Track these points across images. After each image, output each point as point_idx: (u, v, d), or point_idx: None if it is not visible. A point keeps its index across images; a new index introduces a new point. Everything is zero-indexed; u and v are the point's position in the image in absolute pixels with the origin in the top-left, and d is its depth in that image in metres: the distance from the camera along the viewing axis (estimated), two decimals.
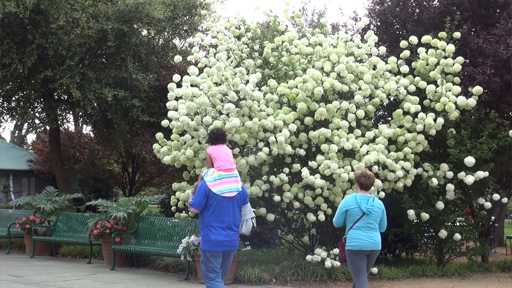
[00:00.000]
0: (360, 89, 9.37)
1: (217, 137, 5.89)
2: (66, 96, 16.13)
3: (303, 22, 16.65)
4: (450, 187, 9.35)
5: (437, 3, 11.25)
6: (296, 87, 9.08)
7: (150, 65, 14.61)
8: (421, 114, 9.09)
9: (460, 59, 9.43)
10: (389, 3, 11.60)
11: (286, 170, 9.03)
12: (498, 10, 10.83)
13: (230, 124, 8.68)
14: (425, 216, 9.16)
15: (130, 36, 13.54)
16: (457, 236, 9.48)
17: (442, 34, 9.64)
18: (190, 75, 9.38)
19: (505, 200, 10.04)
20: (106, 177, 19.79)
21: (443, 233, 9.45)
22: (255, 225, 5.97)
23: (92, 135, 20.52)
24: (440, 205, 9.37)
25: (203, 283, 6.34)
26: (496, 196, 9.62)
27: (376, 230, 5.88)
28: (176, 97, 9.36)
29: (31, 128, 21.60)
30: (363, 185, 6.02)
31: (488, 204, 9.82)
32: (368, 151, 8.82)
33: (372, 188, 8.54)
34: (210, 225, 5.50)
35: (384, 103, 9.93)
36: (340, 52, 9.59)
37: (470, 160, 9.04)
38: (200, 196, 5.52)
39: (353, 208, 5.89)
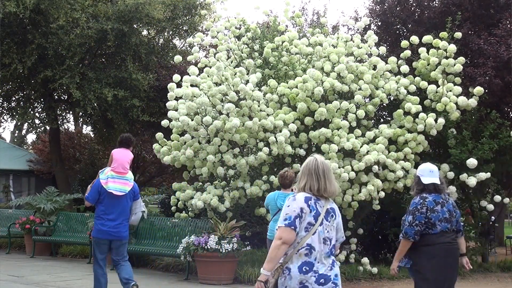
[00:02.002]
0: (360, 89, 9.37)
1: (122, 141, 6.83)
2: (66, 96, 16.12)
3: (303, 22, 16.65)
4: (452, 189, 9.35)
5: (438, 3, 11.25)
6: (296, 87, 9.07)
7: (150, 65, 14.60)
8: (422, 115, 9.09)
9: (462, 59, 9.42)
10: (389, 3, 11.59)
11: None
12: (498, 11, 10.82)
13: (230, 124, 8.68)
14: None
15: (130, 36, 13.53)
16: None
17: (443, 34, 9.64)
18: (190, 75, 9.38)
19: (507, 200, 10.05)
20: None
21: None
22: (145, 217, 7.42)
23: (92, 135, 20.50)
24: None
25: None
26: (498, 198, 9.63)
27: None
28: (176, 97, 9.36)
29: (31, 128, 21.57)
30: (282, 184, 6.95)
31: (490, 207, 9.82)
32: (368, 151, 8.82)
33: (372, 187, 8.65)
34: (100, 216, 6.41)
35: (384, 103, 9.92)
36: (340, 52, 9.58)
37: (472, 162, 9.03)
38: (94, 191, 6.42)
39: (271, 204, 6.89)
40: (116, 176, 6.50)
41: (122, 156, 6.68)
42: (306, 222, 3.39)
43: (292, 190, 6.91)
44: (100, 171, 6.64)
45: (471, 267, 5.09)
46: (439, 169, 9.25)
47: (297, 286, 3.36)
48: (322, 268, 3.39)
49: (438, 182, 4.62)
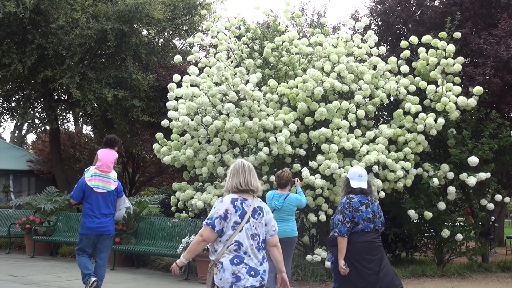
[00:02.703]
0: (360, 89, 9.37)
1: (107, 141, 7.21)
2: (66, 96, 16.13)
3: (303, 22, 16.65)
4: (451, 189, 9.36)
5: (438, 3, 11.25)
6: (296, 87, 9.07)
7: (150, 65, 14.60)
8: (421, 114, 9.09)
9: (461, 59, 9.43)
10: (390, 3, 11.60)
11: (286, 170, 9.01)
12: (499, 11, 10.82)
13: (230, 124, 8.68)
14: (428, 215, 9.15)
15: (130, 36, 13.53)
16: (459, 236, 9.49)
17: (443, 34, 9.64)
18: (190, 75, 9.38)
19: (507, 199, 10.05)
20: None
21: (445, 233, 9.45)
22: (131, 212, 7.95)
23: (92, 135, 20.51)
24: (442, 205, 9.38)
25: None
26: (498, 197, 9.63)
27: (287, 221, 6.89)
28: (176, 97, 9.36)
29: (31, 128, 21.60)
30: (279, 184, 7.08)
31: (491, 206, 9.82)
32: (368, 151, 8.82)
33: (372, 187, 8.63)
34: (87, 213, 6.84)
35: (384, 103, 9.93)
36: (340, 52, 9.59)
37: (473, 160, 9.04)
38: (78, 190, 6.87)
39: (268, 204, 6.81)
40: (100, 174, 6.92)
41: (107, 155, 7.04)
42: (232, 222, 3.73)
43: (289, 190, 7.14)
44: (85, 169, 7.08)
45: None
46: (439, 169, 9.35)
47: (230, 277, 3.69)
48: (252, 262, 3.75)
49: (366, 187, 5.03)
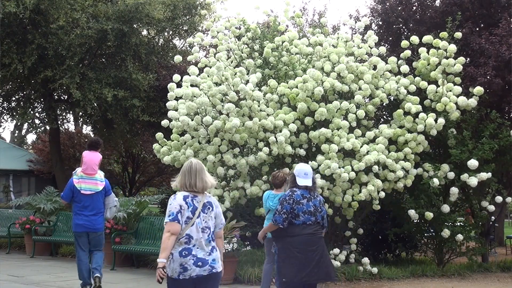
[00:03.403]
0: (360, 89, 9.37)
1: (91, 144, 7.67)
2: (66, 96, 16.13)
3: (303, 22, 16.64)
4: (454, 190, 9.35)
5: (439, 3, 11.25)
6: (296, 87, 9.07)
7: (150, 65, 14.60)
8: (422, 115, 9.09)
9: (461, 59, 9.42)
10: (391, 2, 11.60)
11: (286, 170, 9.01)
12: (500, 11, 10.81)
13: (230, 124, 8.68)
14: (429, 215, 9.14)
15: (130, 36, 13.53)
16: (459, 236, 9.48)
17: (443, 34, 9.64)
18: (190, 75, 9.38)
19: (509, 199, 10.05)
20: (106, 177, 19.75)
21: (446, 233, 9.44)
22: (117, 210, 8.16)
23: (92, 135, 20.50)
24: (446, 208, 9.38)
25: None
26: (499, 199, 9.63)
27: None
28: (176, 97, 9.35)
29: (31, 128, 21.58)
30: (274, 184, 7.21)
31: (491, 207, 9.82)
32: (368, 151, 8.82)
33: (372, 187, 8.65)
34: (77, 212, 7.32)
35: (384, 103, 9.92)
36: (340, 52, 9.58)
37: (473, 164, 9.02)
38: (67, 191, 7.38)
39: (264, 203, 7.21)
40: (86, 177, 7.40)
41: (91, 158, 7.48)
42: (185, 217, 4.13)
43: (284, 190, 6.95)
44: (73, 172, 7.56)
45: None
46: (439, 169, 9.35)
47: (178, 267, 4.08)
48: (201, 253, 4.13)
49: (310, 184, 5.35)
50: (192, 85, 9.35)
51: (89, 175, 7.42)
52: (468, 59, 10.47)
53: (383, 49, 10.30)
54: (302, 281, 5.17)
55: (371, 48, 10.00)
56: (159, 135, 10.13)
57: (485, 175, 9.21)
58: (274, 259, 6.87)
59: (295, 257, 5.16)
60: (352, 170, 8.62)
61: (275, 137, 8.77)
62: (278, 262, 5.39)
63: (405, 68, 9.82)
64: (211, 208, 4.27)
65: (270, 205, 7.02)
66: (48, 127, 16.30)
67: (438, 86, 9.45)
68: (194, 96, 9.13)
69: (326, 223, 5.47)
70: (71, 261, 11.46)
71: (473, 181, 9.14)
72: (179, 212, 4.12)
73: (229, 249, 8.37)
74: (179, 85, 9.47)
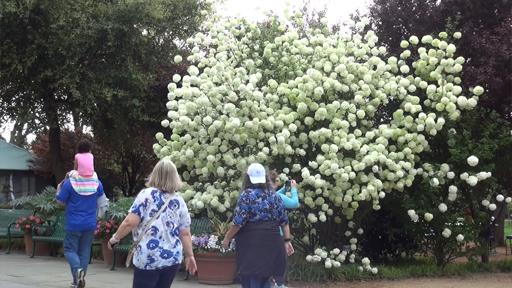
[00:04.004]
0: (360, 89, 9.37)
1: (81, 147, 7.90)
2: (66, 96, 16.13)
3: (304, 22, 16.65)
4: (453, 189, 9.35)
5: (439, 2, 11.24)
6: (296, 87, 9.07)
7: (150, 65, 14.60)
8: (422, 114, 9.09)
9: (461, 59, 9.42)
10: (391, 2, 11.60)
11: (286, 170, 9.02)
12: (501, 10, 10.80)
13: (230, 124, 8.68)
14: (429, 216, 9.15)
15: (130, 36, 13.53)
16: (460, 236, 9.48)
17: (443, 34, 9.64)
18: (190, 75, 9.38)
19: (509, 199, 10.04)
20: (106, 177, 19.77)
21: (447, 232, 9.44)
22: (108, 210, 8.59)
23: (92, 135, 20.51)
24: (443, 207, 9.38)
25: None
26: (500, 197, 9.63)
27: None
28: (176, 97, 9.36)
29: (31, 128, 21.59)
30: None
31: (493, 206, 9.82)
32: (368, 151, 8.82)
33: (372, 187, 8.65)
34: (71, 211, 7.65)
35: (384, 103, 9.92)
36: (340, 52, 9.58)
37: (473, 160, 9.04)
38: (64, 192, 7.70)
39: None
40: (84, 179, 7.73)
41: (86, 160, 7.79)
42: (150, 209, 4.44)
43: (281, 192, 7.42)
44: (69, 173, 7.88)
45: (293, 251, 6.18)
46: (439, 169, 9.35)
47: (146, 259, 4.39)
48: (166, 245, 4.47)
49: (263, 181, 5.57)
50: (192, 85, 9.35)
51: (87, 177, 7.75)
52: (469, 58, 10.47)
53: (383, 49, 10.30)
54: (256, 274, 5.46)
55: (371, 48, 10.00)
56: (159, 135, 10.13)
57: (485, 175, 9.21)
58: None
59: (251, 251, 5.45)
60: (352, 170, 8.62)
61: (275, 137, 8.77)
62: (236, 255, 5.72)
63: (405, 68, 9.82)
64: (177, 206, 4.60)
65: None
66: (48, 127, 16.30)
67: (438, 86, 9.46)
68: (194, 96, 9.13)
69: (285, 216, 5.70)
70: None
71: (472, 180, 9.14)
72: (142, 205, 4.44)
73: (229, 249, 8.37)
74: (179, 85, 9.47)
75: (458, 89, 9.39)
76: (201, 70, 9.96)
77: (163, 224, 4.46)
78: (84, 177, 7.73)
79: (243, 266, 5.49)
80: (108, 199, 8.53)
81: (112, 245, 4.64)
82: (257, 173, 5.59)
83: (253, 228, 5.45)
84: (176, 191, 4.67)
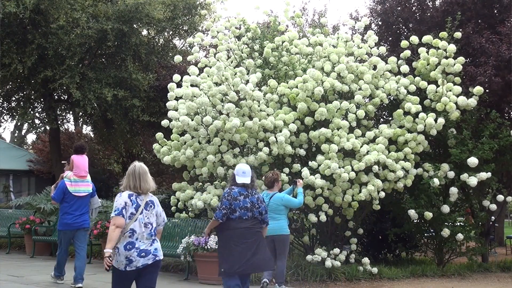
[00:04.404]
0: (360, 89, 9.37)
1: (77, 148, 8.13)
2: (66, 96, 16.13)
3: (303, 22, 16.65)
4: (453, 190, 9.35)
5: (440, 2, 11.24)
6: (296, 87, 9.07)
7: (150, 65, 14.61)
8: (422, 114, 9.09)
9: (461, 59, 9.42)
10: (390, 2, 11.60)
11: (286, 170, 9.03)
12: (502, 11, 10.80)
13: (230, 124, 8.68)
14: (428, 215, 9.15)
15: (130, 36, 13.54)
16: (460, 236, 9.48)
17: (443, 34, 9.64)
18: (190, 75, 9.37)
19: (510, 199, 10.04)
20: (106, 177, 19.77)
21: (446, 232, 9.45)
22: (102, 210, 8.88)
23: (92, 135, 20.51)
24: (446, 208, 9.38)
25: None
26: (500, 197, 9.63)
27: (273, 220, 7.19)
28: (176, 97, 9.35)
29: (31, 128, 21.60)
30: (266, 185, 7.69)
31: (493, 206, 9.82)
32: (368, 151, 8.82)
33: (372, 187, 8.65)
34: (66, 212, 7.82)
35: (384, 103, 9.92)
36: (340, 52, 9.58)
37: (473, 161, 9.03)
38: (60, 192, 7.85)
39: None
40: (79, 180, 7.91)
41: (82, 162, 7.99)
42: (129, 212, 4.62)
43: (280, 191, 7.70)
44: (64, 174, 8.07)
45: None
46: (439, 169, 9.35)
47: (124, 260, 4.59)
48: (143, 245, 4.65)
49: (248, 182, 5.78)
50: (192, 85, 9.35)
51: (82, 178, 7.95)
52: (469, 58, 10.47)
53: (383, 49, 10.30)
54: (238, 271, 5.62)
55: (371, 48, 10.00)
56: (159, 135, 10.13)
57: (484, 175, 9.21)
58: (276, 257, 7.31)
59: (232, 249, 5.62)
60: (352, 170, 8.62)
61: (275, 137, 8.77)
62: (218, 254, 5.87)
63: (405, 68, 9.82)
64: (153, 206, 4.80)
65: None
66: (48, 127, 16.31)
67: (438, 86, 9.46)
68: (194, 96, 9.12)
69: (267, 218, 5.88)
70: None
71: (472, 181, 9.14)
72: (124, 207, 4.61)
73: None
74: (179, 85, 9.47)
75: (458, 89, 9.39)
76: (201, 70, 9.95)
77: (140, 226, 4.64)
78: (78, 177, 7.92)
79: (224, 265, 5.68)
80: (101, 200, 8.77)
81: (109, 258, 4.54)
82: (243, 173, 5.79)
83: (234, 227, 5.62)
84: (150, 192, 4.84)
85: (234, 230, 5.62)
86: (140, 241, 4.63)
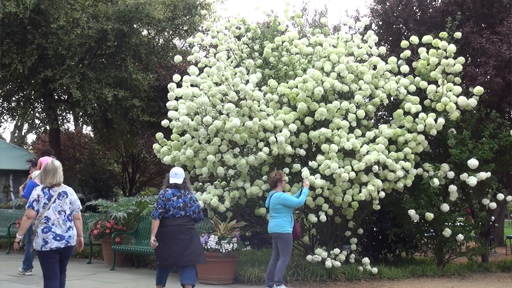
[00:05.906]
0: (360, 89, 9.36)
1: (45, 152, 9.19)
2: (66, 96, 16.15)
3: (304, 22, 16.66)
4: (453, 188, 9.35)
5: (440, 2, 11.24)
6: (296, 87, 9.07)
7: (150, 65, 14.61)
8: (422, 114, 9.09)
9: (461, 59, 9.42)
10: (391, 2, 11.60)
11: (286, 170, 9.02)
12: (501, 10, 10.80)
13: (230, 124, 8.68)
14: (429, 216, 9.15)
15: (130, 36, 13.54)
16: (460, 236, 9.48)
17: (443, 34, 9.64)
18: (190, 75, 9.37)
19: (509, 198, 10.04)
20: (106, 177, 19.80)
21: (447, 232, 9.44)
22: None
23: (92, 135, 20.53)
24: (445, 207, 9.38)
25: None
26: (501, 196, 9.63)
27: (272, 218, 7.70)
28: (176, 97, 9.35)
29: (31, 128, 21.61)
30: (270, 185, 8.06)
31: (493, 205, 9.81)
32: (368, 151, 8.82)
33: (372, 187, 8.65)
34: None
35: (384, 103, 9.92)
36: (340, 52, 9.57)
37: (473, 163, 9.02)
38: (30, 190, 7.84)
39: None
40: None
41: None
42: (43, 203, 5.61)
43: (283, 191, 7.94)
44: (31, 174, 8.65)
45: None
46: (439, 169, 9.36)
47: (41, 241, 5.54)
48: (59, 230, 5.60)
49: (180, 182, 6.57)
50: (192, 85, 9.35)
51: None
52: (469, 59, 10.47)
53: (383, 49, 10.29)
54: (172, 264, 6.50)
55: (371, 48, 9.99)
56: (159, 135, 10.13)
57: (484, 175, 9.21)
58: (278, 255, 7.70)
59: (166, 244, 6.39)
60: (352, 170, 8.61)
61: (275, 137, 8.77)
62: (155, 248, 6.51)
63: (405, 68, 9.82)
64: (65, 196, 5.75)
65: (266, 204, 8.02)
66: (48, 127, 16.32)
67: (438, 86, 9.45)
68: (194, 96, 9.12)
69: (202, 215, 6.76)
70: (71, 261, 11.38)
71: (472, 180, 9.14)
72: (35, 200, 5.58)
73: (229, 249, 8.38)
74: (179, 85, 9.47)
75: (458, 89, 9.39)
76: (201, 70, 9.95)
77: (54, 213, 5.59)
78: None
79: (161, 258, 6.51)
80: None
81: (18, 243, 5.63)
82: (175, 175, 6.61)
83: (168, 224, 6.42)
84: (61, 184, 5.76)
85: (168, 227, 6.41)
86: (56, 226, 5.57)
